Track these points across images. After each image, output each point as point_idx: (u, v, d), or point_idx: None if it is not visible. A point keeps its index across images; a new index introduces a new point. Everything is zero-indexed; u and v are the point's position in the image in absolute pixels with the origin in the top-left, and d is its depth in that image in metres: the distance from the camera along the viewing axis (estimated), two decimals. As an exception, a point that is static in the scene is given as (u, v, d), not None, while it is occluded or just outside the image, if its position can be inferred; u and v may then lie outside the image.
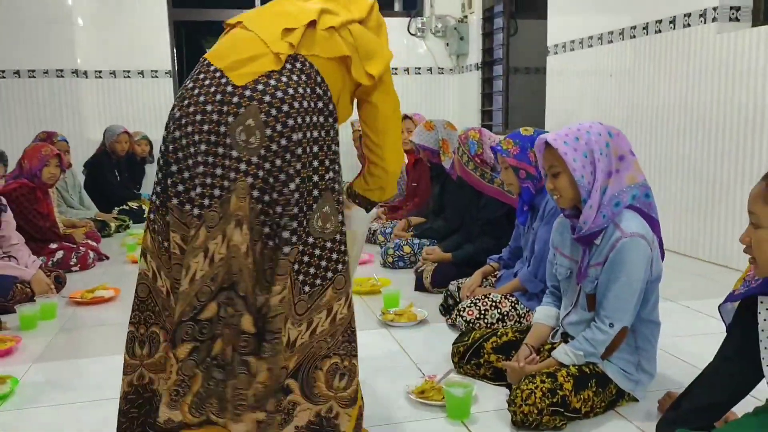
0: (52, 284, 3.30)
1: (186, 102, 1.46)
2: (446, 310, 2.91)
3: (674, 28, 4.02)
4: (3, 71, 6.46)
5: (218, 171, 1.42)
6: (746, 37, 3.51)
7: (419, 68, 7.56)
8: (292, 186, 1.42)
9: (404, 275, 3.63)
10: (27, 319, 2.85)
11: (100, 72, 6.82)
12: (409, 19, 7.46)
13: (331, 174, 1.49)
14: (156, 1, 6.84)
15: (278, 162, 1.42)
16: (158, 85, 6.97)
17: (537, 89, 5.95)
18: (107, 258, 4.25)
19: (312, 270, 1.46)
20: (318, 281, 1.47)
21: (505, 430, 1.86)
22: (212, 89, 1.44)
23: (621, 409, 1.97)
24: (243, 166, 1.41)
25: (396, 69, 7.46)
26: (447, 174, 3.81)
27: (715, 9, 3.70)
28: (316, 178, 1.46)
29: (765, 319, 1.43)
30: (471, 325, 2.57)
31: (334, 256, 1.48)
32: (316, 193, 1.46)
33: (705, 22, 3.77)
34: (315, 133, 1.47)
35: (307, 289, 1.46)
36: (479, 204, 3.26)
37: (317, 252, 1.46)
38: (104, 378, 2.30)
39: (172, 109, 1.50)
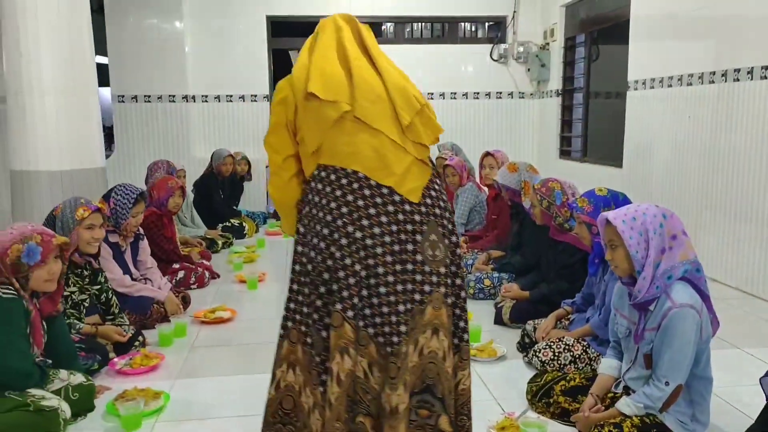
0: (180, 304, 3.85)
1: (367, 222, 1.63)
2: (523, 347, 3.25)
3: (752, 79, 4.18)
4: (123, 96, 7.21)
5: (408, 286, 1.62)
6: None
7: (500, 93, 7.86)
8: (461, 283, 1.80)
9: (484, 307, 3.97)
10: (165, 337, 3.38)
11: (206, 96, 7.49)
12: (492, 45, 7.76)
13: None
14: (257, 32, 7.44)
15: (455, 268, 1.75)
16: (257, 108, 7.58)
17: (616, 114, 6.12)
18: (218, 276, 4.80)
19: None
20: None
21: (574, 467, 2.21)
22: (390, 208, 1.65)
23: (676, 453, 2.27)
24: (435, 279, 1.64)
25: (478, 93, 7.80)
26: (526, 213, 4.13)
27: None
28: None
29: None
30: (545, 365, 2.90)
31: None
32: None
33: (782, 76, 3.94)
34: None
35: None
36: (557, 248, 3.58)
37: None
38: (241, 395, 2.77)
39: (341, 224, 1.65)
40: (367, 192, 1.68)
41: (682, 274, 2.24)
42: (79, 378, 2.61)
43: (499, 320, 3.71)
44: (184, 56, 7.29)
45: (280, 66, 9.43)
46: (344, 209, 1.68)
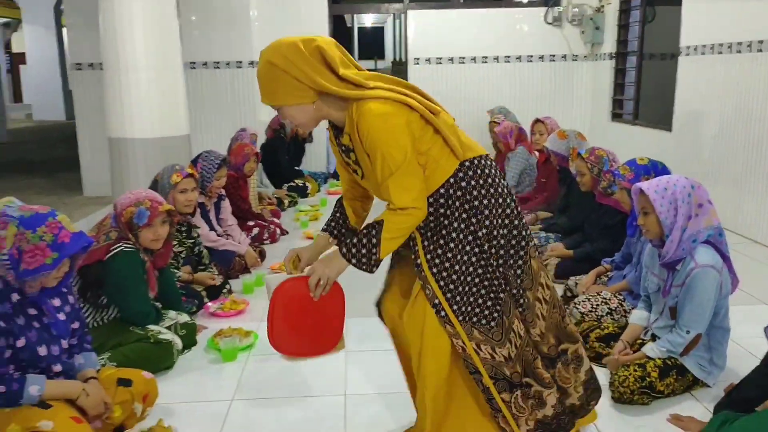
0: (258, 257, 4.34)
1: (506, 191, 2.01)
2: (565, 301, 3.61)
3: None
4: (194, 63, 7.69)
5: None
6: None
7: (554, 56, 8.00)
8: None
9: (531, 264, 4.32)
10: (248, 286, 3.88)
11: (270, 62, 7.88)
12: (546, 8, 7.89)
13: None
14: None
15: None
16: (318, 72, 7.94)
17: (668, 78, 6.23)
18: (287, 233, 5.28)
19: None
20: None
21: (606, 403, 2.58)
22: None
23: (695, 392, 2.63)
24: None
25: (531, 56, 7.97)
26: (573, 178, 4.43)
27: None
28: None
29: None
30: (583, 316, 3.26)
31: None
32: None
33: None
34: None
35: None
36: (600, 211, 3.89)
37: None
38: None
39: (500, 187, 1.98)
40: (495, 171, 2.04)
41: (706, 238, 2.55)
42: (184, 317, 3.12)
43: (544, 276, 4.06)
44: (250, 23, 7.69)
45: (338, 31, 9.75)
46: (503, 188, 2.01)
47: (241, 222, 4.90)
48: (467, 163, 1.96)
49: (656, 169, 3.22)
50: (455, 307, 1.95)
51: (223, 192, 4.41)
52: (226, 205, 4.42)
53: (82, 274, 2.79)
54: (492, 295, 1.98)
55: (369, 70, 2.04)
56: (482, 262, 1.96)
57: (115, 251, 2.81)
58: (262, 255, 4.48)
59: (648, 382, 2.52)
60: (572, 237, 4.19)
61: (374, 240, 1.85)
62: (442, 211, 1.95)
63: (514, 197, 2.06)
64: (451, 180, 1.94)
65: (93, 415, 2.27)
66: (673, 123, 5.99)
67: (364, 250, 1.86)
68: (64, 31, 18.62)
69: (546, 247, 4.31)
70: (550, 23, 7.91)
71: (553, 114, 6.26)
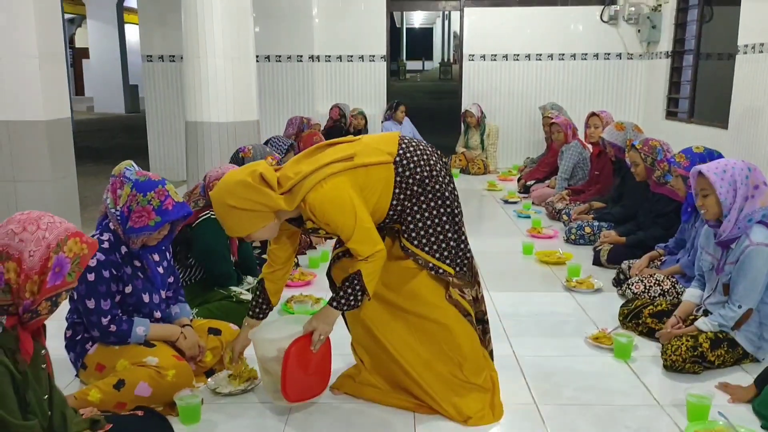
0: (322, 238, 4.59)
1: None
2: (618, 282, 3.75)
3: None
4: (257, 56, 8.02)
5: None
6: None
7: (608, 54, 8.07)
8: None
9: (584, 251, 4.47)
10: (314, 261, 4.13)
11: (329, 56, 8.19)
12: (602, 7, 7.96)
13: None
14: (377, -4, 8.03)
15: None
16: (374, 67, 8.22)
17: (725, 76, 6.26)
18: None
19: None
20: None
21: (657, 370, 2.74)
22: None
23: (745, 366, 2.75)
24: None
25: (586, 54, 8.06)
26: (628, 168, 4.55)
27: None
28: None
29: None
30: (636, 296, 3.40)
31: None
32: None
33: None
34: None
35: None
36: (653, 199, 4.01)
37: None
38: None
39: (437, 158, 2.36)
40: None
41: (761, 218, 2.68)
42: (260, 283, 3.38)
43: (597, 261, 4.21)
44: (312, 20, 7.99)
45: (394, 28, 9.95)
46: (427, 148, 2.44)
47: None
48: (397, 159, 2.28)
49: (712, 156, 3.33)
50: (447, 261, 2.34)
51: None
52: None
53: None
54: (462, 244, 2.38)
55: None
56: (446, 217, 2.33)
57: (204, 217, 3.09)
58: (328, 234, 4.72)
59: (699, 351, 2.66)
60: (625, 225, 4.31)
61: (358, 287, 2.20)
62: (400, 207, 2.30)
63: (438, 151, 2.40)
64: (397, 179, 2.27)
65: (188, 356, 2.54)
66: (729, 120, 6.02)
67: (351, 298, 2.22)
68: (126, 27, 19.45)
69: (599, 235, 4.45)
70: (605, 21, 7.98)
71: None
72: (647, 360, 2.83)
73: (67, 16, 23.35)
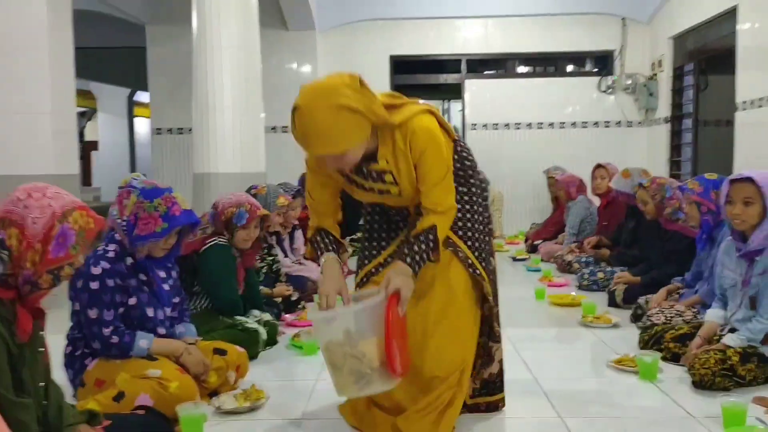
0: (329, 285, 4.51)
1: None
2: (636, 318, 3.63)
3: None
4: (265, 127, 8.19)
5: None
6: None
7: (608, 122, 8.23)
8: None
9: (597, 296, 4.35)
10: (321, 305, 4.02)
11: (334, 127, 8.35)
12: (599, 78, 8.19)
13: None
14: (382, 69, 8.27)
15: None
16: (379, 137, 8.35)
17: (725, 141, 6.35)
18: (353, 272, 5.43)
19: None
20: None
21: (686, 389, 2.59)
22: None
23: (779, 384, 2.61)
24: None
25: (586, 123, 8.21)
26: (641, 214, 4.50)
27: None
28: None
29: None
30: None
31: None
32: None
33: None
34: None
35: None
36: (666, 237, 3.96)
37: None
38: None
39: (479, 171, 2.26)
40: None
41: (785, 230, 2.62)
42: (267, 316, 3.29)
43: (612, 303, 4.09)
44: (317, 92, 8.21)
45: None
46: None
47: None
48: (457, 138, 2.19)
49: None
50: (483, 264, 2.19)
51: (298, 223, 4.65)
52: (299, 235, 4.65)
53: (179, 263, 3.01)
54: (489, 238, 2.25)
55: None
56: (485, 214, 2.23)
57: (211, 244, 3.04)
58: (332, 283, 4.64)
59: (729, 365, 2.53)
60: (638, 266, 4.23)
61: (432, 243, 2.01)
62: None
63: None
64: (455, 157, 2.16)
65: (192, 374, 2.41)
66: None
67: (425, 255, 2.00)
68: (136, 120, 20.02)
69: (612, 280, 4.35)
70: (603, 91, 8.19)
71: (610, 172, 6.40)
72: (674, 381, 2.69)
73: (78, 109, 24.17)
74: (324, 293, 1.97)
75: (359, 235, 6.99)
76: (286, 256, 4.42)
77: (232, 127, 4.73)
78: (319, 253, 2.11)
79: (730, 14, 6.06)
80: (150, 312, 2.43)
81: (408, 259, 1.97)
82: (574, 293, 4.29)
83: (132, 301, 2.39)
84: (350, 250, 6.40)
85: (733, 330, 2.73)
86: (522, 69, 8.55)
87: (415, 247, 1.99)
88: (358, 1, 8.15)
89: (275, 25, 7.98)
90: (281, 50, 8.13)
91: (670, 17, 7.46)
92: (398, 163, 2.02)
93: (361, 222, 2.46)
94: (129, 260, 2.41)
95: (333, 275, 2.03)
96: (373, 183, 2.06)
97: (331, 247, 2.11)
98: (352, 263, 5.58)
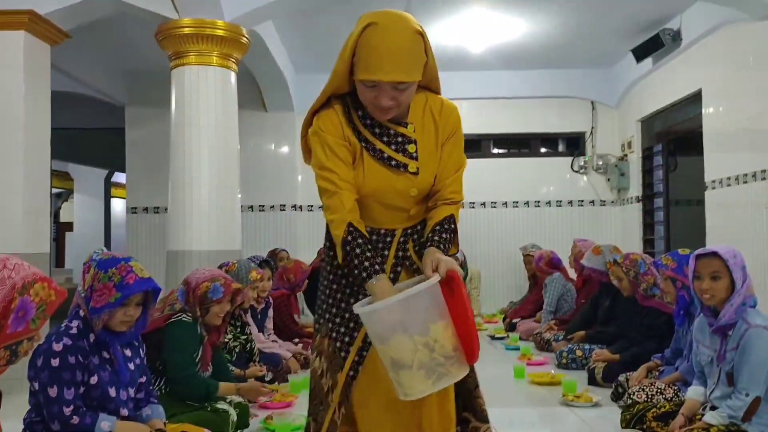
0: (299, 366, 4.41)
1: None
2: (617, 396, 3.56)
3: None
4: (241, 207, 8.18)
5: None
6: None
7: (582, 201, 8.38)
8: None
9: (576, 374, 4.28)
10: (295, 385, 3.90)
11: (311, 206, 8.39)
12: (572, 158, 8.40)
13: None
14: (358, 150, 8.41)
15: None
16: (356, 216, 8.39)
17: (696, 220, 6.48)
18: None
19: None
20: None
21: (668, 471, 2.51)
22: None
23: (763, 463, 2.54)
24: None
25: (560, 201, 8.35)
26: (617, 290, 4.50)
27: None
28: None
29: None
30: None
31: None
32: None
33: None
34: None
35: None
36: (643, 313, 3.95)
37: None
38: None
39: None
40: None
41: (753, 303, 2.63)
42: (238, 398, 3.16)
43: (592, 381, 4.03)
44: (295, 172, 8.29)
45: None
46: None
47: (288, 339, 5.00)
48: None
49: (696, 258, 3.34)
50: None
51: (270, 300, 4.57)
52: (270, 313, 4.58)
53: (143, 340, 2.91)
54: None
55: None
56: None
57: (175, 319, 2.95)
58: (306, 362, 4.53)
59: (713, 444, 2.47)
60: (617, 344, 4.19)
61: (453, 233, 1.90)
62: None
63: None
64: None
65: (158, 459, 2.29)
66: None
67: (448, 245, 1.87)
68: (112, 201, 19.95)
69: (590, 357, 4.29)
70: (576, 171, 8.37)
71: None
72: (659, 461, 2.61)
73: (54, 190, 24.04)
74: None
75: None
76: (260, 330, 4.33)
77: (208, 205, 4.72)
78: (367, 272, 1.76)
79: (695, 98, 6.32)
80: (112, 392, 2.32)
81: (441, 246, 1.82)
82: (553, 371, 4.22)
83: (93, 379, 2.28)
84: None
85: (713, 408, 2.68)
86: (497, 150, 8.74)
87: (443, 235, 1.85)
88: (336, 85, 8.35)
89: (254, 107, 8.12)
90: (260, 131, 8.25)
91: (636, 101, 7.76)
92: (424, 137, 1.90)
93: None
94: (92, 337, 2.32)
95: (390, 289, 1.77)
96: (394, 153, 1.87)
97: (377, 263, 1.78)
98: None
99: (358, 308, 1.71)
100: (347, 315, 1.89)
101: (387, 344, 1.66)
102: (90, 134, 10.02)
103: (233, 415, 2.94)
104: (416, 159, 1.90)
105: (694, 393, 2.80)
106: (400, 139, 1.89)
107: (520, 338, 5.82)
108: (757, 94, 5.30)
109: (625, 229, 8.12)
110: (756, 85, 5.30)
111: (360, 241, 1.79)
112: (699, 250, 2.86)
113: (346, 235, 1.79)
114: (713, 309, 2.68)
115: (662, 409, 2.89)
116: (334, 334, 1.89)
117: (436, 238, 1.86)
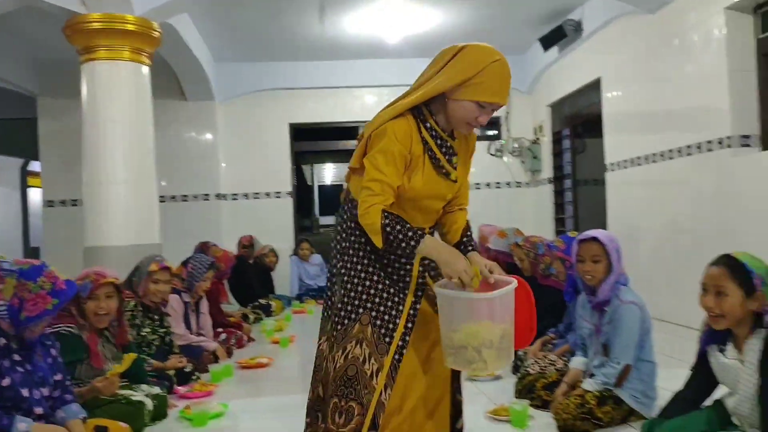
0: (225, 354, 4.52)
1: None
2: (516, 369, 3.86)
3: (701, 151, 5.00)
4: (163, 197, 8.13)
5: None
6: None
7: (499, 183, 8.74)
8: None
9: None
10: (216, 375, 4.02)
11: (235, 195, 8.43)
12: (489, 142, 8.73)
13: (340, 264, 2.17)
14: (281, 136, 8.49)
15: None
16: (280, 203, 8.50)
17: (600, 198, 6.91)
18: (254, 340, 5.46)
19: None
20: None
21: (551, 435, 2.81)
22: None
23: (633, 423, 2.86)
24: None
25: (479, 184, 8.68)
26: (520, 272, 4.82)
27: (729, 138, 4.69)
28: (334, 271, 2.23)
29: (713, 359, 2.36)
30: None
31: (336, 319, 2.15)
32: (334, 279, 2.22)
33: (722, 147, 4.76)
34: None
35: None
36: (541, 291, 4.25)
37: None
38: (279, 404, 3.44)
39: None
40: None
41: (624, 281, 2.94)
42: (156, 389, 3.27)
43: (498, 356, 4.32)
44: (218, 161, 8.30)
45: (300, 190, 10.27)
46: None
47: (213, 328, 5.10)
48: None
49: (585, 240, 3.65)
50: None
51: (203, 294, 4.67)
52: (205, 303, 4.69)
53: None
54: None
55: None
56: None
57: (52, 330, 2.90)
58: (229, 352, 4.66)
59: (587, 408, 2.77)
60: (521, 320, 4.50)
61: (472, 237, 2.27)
62: None
63: None
64: None
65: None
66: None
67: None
68: (29, 190, 19.21)
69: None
70: (492, 154, 8.72)
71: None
72: (543, 427, 2.90)
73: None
74: (468, 271, 1.99)
75: (262, 301, 7.01)
76: (189, 327, 4.42)
77: (124, 200, 4.75)
78: (414, 238, 1.99)
79: (596, 85, 6.72)
80: (25, 392, 2.41)
81: (470, 248, 2.20)
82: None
83: (5, 382, 2.36)
84: (252, 317, 6.42)
85: (592, 376, 2.99)
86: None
87: (472, 239, 2.23)
88: (257, 73, 8.39)
89: (174, 96, 8.08)
90: (180, 120, 8.22)
91: (546, 87, 8.14)
92: (461, 151, 2.20)
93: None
94: (2, 341, 2.40)
95: (454, 251, 2.07)
96: (446, 162, 2.13)
97: (417, 228, 2.04)
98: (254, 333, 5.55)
99: (466, 294, 1.98)
100: (389, 303, 2.11)
101: (479, 324, 1.96)
102: (2, 124, 9.68)
103: (149, 405, 3.05)
104: (456, 169, 2.17)
105: (576, 363, 3.11)
106: (450, 150, 2.15)
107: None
108: (649, 81, 5.71)
109: (539, 210, 8.54)
110: (648, 73, 5.71)
111: (396, 218, 2.01)
112: (580, 235, 3.16)
113: (383, 219, 1.99)
114: (592, 288, 2.98)
115: (550, 379, 3.20)
116: (378, 322, 2.09)
117: (472, 243, 2.22)
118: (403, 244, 2.00)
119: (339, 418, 2.04)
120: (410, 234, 1.99)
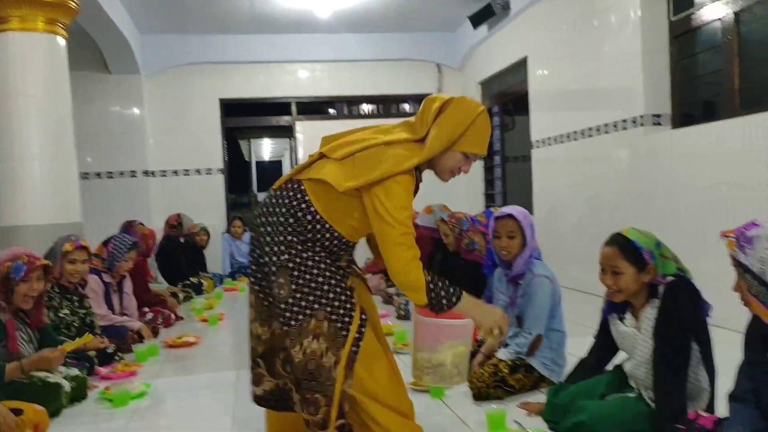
0: (151, 333, 4.47)
1: None
2: (439, 341, 3.98)
3: (617, 130, 5.21)
4: (87, 173, 7.89)
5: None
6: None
7: (431, 159, 8.83)
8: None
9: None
10: (141, 354, 3.98)
11: (164, 171, 8.24)
12: (421, 118, 8.79)
13: (284, 256, 2.13)
14: (211, 112, 8.33)
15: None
16: (211, 180, 8.37)
17: (526, 174, 7.13)
18: (183, 318, 5.41)
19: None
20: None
21: (468, 402, 2.92)
22: None
23: (543, 389, 3.01)
24: None
25: (411, 160, 8.74)
26: (445, 245, 4.94)
27: (642, 116, 4.90)
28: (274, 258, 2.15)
29: (613, 328, 2.51)
30: (454, 347, 3.63)
31: (287, 314, 2.13)
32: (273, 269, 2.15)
33: (636, 126, 4.97)
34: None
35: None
36: (464, 265, 4.38)
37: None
38: (206, 382, 3.43)
39: None
40: None
41: (537, 256, 3.06)
42: (74, 371, 3.21)
43: (423, 329, 4.43)
44: (145, 136, 8.08)
45: (237, 165, 10.16)
46: None
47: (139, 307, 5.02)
48: None
49: (505, 216, 3.77)
50: None
51: (126, 274, 4.57)
52: (129, 283, 4.60)
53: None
54: None
55: None
56: None
57: None
58: (156, 332, 4.60)
59: (500, 376, 2.89)
60: (446, 294, 4.62)
61: None
62: None
63: None
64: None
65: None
66: (533, 208, 6.76)
67: None
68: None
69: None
70: (425, 131, 8.79)
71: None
72: (460, 395, 3.02)
73: None
74: (505, 318, 2.22)
75: (192, 280, 6.92)
76: (111, 307, 4.34)
77: (40, 176, 4.58)
78: (455, 296, 2.13)
79: (523, 63, 6.86)
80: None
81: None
82: (390, 323, 4.59)
83: None
84: (181, 296, 6.34)
85: (507, 346, 3.12)
86: (348, 112, 8.97)
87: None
88: (184, 46, 8.17)
89: (97, 69, 7.80)
90: (104, 94, 7.95)
91: (477, 64, 8.25)
92: None
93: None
94: None
95: (487, 306, 2.29)
96: None
97: (453, 286, 2.16)
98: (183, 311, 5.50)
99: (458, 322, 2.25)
100: (343, 297, 2.16)
101: (461, 345, 2.31)
102: None
103: (66, 387, 3.00)
104: None
105: (492, 334, 3.23)
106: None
107: (371, 293, 6.16)
108: (571, 61, 5.88)
109: (469, 185, 8.69)
110: (571, 52, 5.87)
111: (433, 276, 2.13)
112: (497, 213, 3.27)
113: (427, 278, 2.10)
114: (508, 263, 3.09)
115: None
116: (334, 316, 2.13)
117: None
118: (444, 301, 2.10)
119: (309, 407, 2.13)
120: (451, 291, 2.12)
